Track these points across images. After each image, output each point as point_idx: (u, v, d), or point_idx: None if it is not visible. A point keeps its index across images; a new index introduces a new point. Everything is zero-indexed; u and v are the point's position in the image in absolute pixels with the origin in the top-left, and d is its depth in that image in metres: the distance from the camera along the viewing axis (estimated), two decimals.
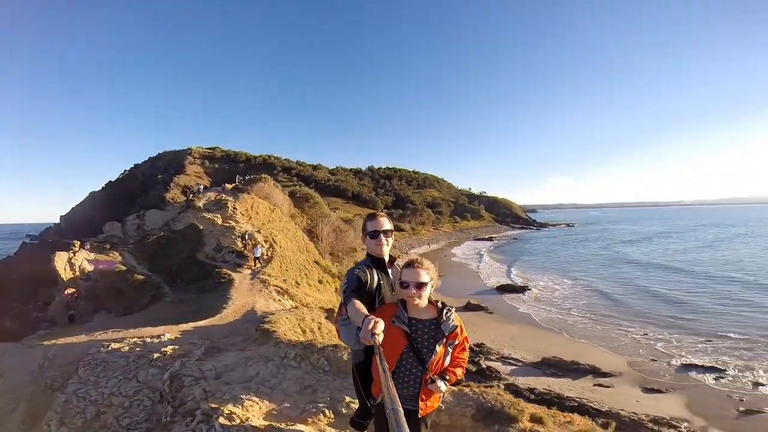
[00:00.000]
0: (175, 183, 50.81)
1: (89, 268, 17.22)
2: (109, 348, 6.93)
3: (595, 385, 13.94)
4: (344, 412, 4.26)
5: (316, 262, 23.46)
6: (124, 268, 17.76)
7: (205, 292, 15.52)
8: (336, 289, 21.36)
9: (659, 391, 13.38)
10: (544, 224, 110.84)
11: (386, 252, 2.75)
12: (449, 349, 2.41)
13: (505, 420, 4.10)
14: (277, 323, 9.02)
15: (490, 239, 72.51)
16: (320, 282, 20.97)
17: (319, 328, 10.89)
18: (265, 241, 20.71)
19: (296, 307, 13.14)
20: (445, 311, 2.44)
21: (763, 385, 13.70)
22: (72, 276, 16.55)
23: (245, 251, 18.72)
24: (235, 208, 23.98)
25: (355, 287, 2.48)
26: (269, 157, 78.83)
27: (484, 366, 15.22)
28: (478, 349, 16.74)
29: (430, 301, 2.48)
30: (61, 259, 16.83)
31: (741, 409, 12.12)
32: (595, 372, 14.74)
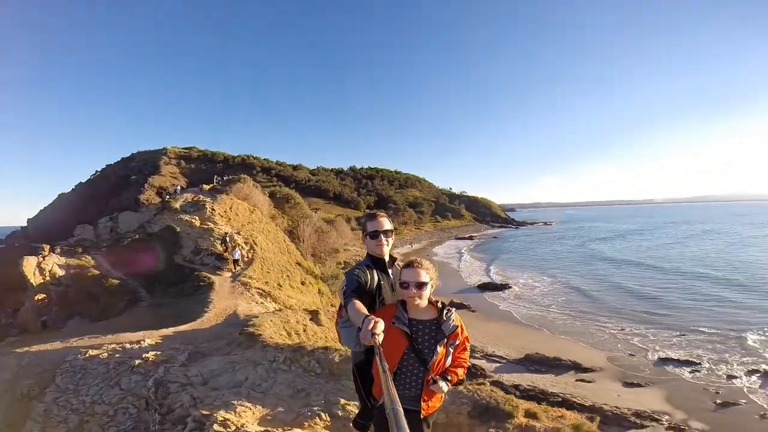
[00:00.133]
0: (149, 184, 49.05)
1: (60, 272, 16.54)
2: (87, 355, 6.66)
3: (577, 380, 14.26)
4: (340, 414, 4.20)
5: (298, 264, 23.16)
6: (97, 272, 17.12)
7: (184, 296, 15.08)
8: (319, 290, 21.17)
9: (639, 385, 13.78)
10: (523, 223, 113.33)
11: (387, 252, 2.72)
12: (450, 349, 2.40)
13: (500, 416, 4.13)
14: (261, 326, 8.85)
15: (470, 238, 73.54)
16: (303, 284, 20.70)
17: (304, 330, 10.75)
18: (246, 243, 20.30)
19: (280, 310, 12.93)
20: (445, 311, 2.42)
21: (736, 377, 14.24)
22: (42, 281, 15.85)
23: (225, 254, 18.32)
24: (213, 209, 23.43)
25: (354, 288, 2.45)
26: (248, 157, 77.62)
27: (469, 364, 15.40)
28: None
29: (430, 302, 2.46)
30: (29, 264, 16.12)
31: (718, 401, 12.56)
32: (577, 367, 15.09)
